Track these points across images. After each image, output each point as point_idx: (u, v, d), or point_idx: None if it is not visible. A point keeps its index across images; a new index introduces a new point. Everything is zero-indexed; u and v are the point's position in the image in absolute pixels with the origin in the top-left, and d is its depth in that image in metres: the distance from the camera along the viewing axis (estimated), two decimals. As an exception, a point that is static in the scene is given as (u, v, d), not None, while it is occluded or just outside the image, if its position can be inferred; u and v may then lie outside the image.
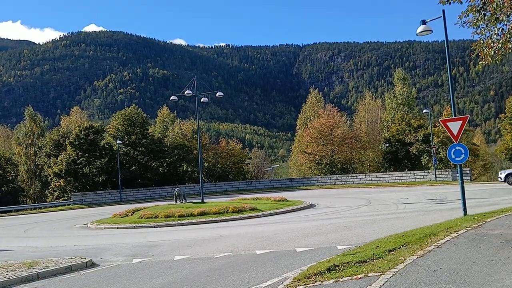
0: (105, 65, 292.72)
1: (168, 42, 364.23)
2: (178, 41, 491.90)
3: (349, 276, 6.61)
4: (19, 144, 65.48)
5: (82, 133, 51.66)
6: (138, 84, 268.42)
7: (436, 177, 42.54)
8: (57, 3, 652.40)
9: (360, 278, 6.38)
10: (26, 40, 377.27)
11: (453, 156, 13.10)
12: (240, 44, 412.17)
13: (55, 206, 47.03)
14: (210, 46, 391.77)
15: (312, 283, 6.61)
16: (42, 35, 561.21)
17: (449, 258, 7.03)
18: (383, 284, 5.78)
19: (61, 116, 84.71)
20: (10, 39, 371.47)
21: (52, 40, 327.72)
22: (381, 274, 6.35)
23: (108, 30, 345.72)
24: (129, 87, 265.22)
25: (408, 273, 6.30)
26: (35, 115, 68.84)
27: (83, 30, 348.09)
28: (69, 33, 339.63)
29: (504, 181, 31.08)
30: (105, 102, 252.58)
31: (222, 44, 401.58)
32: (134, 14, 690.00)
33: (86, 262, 11.67)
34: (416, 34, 14.36)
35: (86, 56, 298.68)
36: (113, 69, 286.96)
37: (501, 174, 31.88)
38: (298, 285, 6.64)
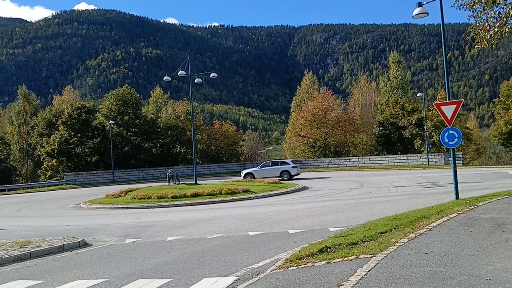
0: (97, 44, 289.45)
1: (161, 21, 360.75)
2: (171, 20, 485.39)
3: (341, 257, 6.64)
4: (11, 123, 65.08)
5: (75, 112, 51.30)
6: (131, 64, 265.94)
7: (428, 160, 42.80)
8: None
9: (352, 260, 6.41)
10: (18, 18, 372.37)
11: (446, 140, 13.12)
12: (234, 25, 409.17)
13: (48, 186, 46.92)
14: (204, 26, 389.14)
15: (304, 264, 6.64)
16: (33, 13, 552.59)
17: (441, 241, 7.08)
18: (374, 266, 5.81)
19: (54, 96, 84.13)
20: (1, 17, 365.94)
21: (45, 18, 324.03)
22: (372, 256, 6.38)
23: (101, 9, 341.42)
24: (121, 67, 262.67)
25: (399, 255, 6.33)
26: (29, 94, 68.28)
27: (75, 8, 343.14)
28: (61, 11, 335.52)
29: (243, 178, 33.94)
30: (97, 82, 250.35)
31: (216, 24, 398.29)
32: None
33: (79, 241, 11.68)
34: (412, 17, 14.22)
35: (79, 34, 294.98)
36: (106, 48, 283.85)
37: (242, 172, 35.33)
38: (290, 266, 6.66)
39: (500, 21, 9.83)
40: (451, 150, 13.62)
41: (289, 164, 34.75)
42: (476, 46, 10.80)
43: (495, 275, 5.12)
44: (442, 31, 13.93)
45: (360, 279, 5.30)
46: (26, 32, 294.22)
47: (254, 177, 33.36)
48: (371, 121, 62.81)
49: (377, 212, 13.21)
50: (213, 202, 20.53)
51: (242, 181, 29.21)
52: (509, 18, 9.67)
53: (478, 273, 5.23)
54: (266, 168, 34.73)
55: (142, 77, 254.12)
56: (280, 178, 32.79)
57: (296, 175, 34.19)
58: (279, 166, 34.40)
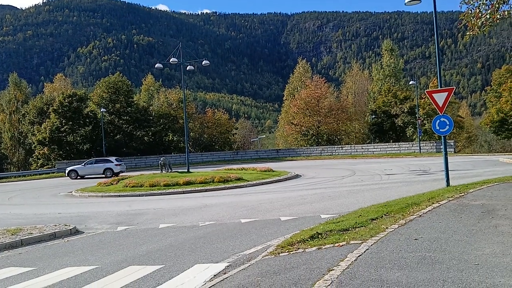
0: (88, 31, 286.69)
1: (152, 8, 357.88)
2: (161, 7, 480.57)
3: (332, 243, 6.68)
4: (2, 111, 64.55)
5: (66, 100, 50.92)
6: (123, 51, 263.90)
7: (420, 148, 43.03)
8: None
9: (342, 245, 6.45)
10: (8, 5, 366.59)
11: (437, 128, 13.16)
12: (227, 12, 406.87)
13: (39, 174, 46.71)
14: (196, 13, 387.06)
15: (295, 250, 6.68)
16: (22, 0, 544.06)
17: (431, 227, 7.13)
18: (365, 252, 5.85)
19: (45, 83, 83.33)
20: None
21: (35, 5, 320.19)
22: (362, 242, 6.43)
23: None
24: (113, 54, 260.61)
25: (389, 241, 6.38)
26: (20, 82, 67.62)
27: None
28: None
29: (67, 175, 35.74)
30: (89, 69, 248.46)
31: (208, 11, 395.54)
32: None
33: (71, 229, 11.66)
34: (405, 4, 14.21)
35: (70, 21, 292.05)
36: (97, 35, 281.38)
37: (66, 170, 36.87)
38: (281, 252, 6.70)
39: (491, 8, 9.82)
40: (442, 137, 13.67)
41: (112, 162, 36.16)
42: (468, 33, 10.79)
43: (483, 259, 5.18)
44: (434, 19, 13.90)
45: (350, 264, 5.33)
46: (16, 19, 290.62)
47: (78, 175, 35.53)
48: (364, 109, 62.94)
49: (368, 199, 13.28)
50: (206, 190, 20.54)
51: (234, 169, 29.19)
52: (500, 5, 9.67)
53: (467, 258, 5.29)
54: (90, 165, 36.15)
55: (133, 64, 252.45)
56: (104, 176, 34.41)
57: (120, 172, 35.38)
58: (102, 164, 35.88)
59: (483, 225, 7.05)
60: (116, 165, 35.78)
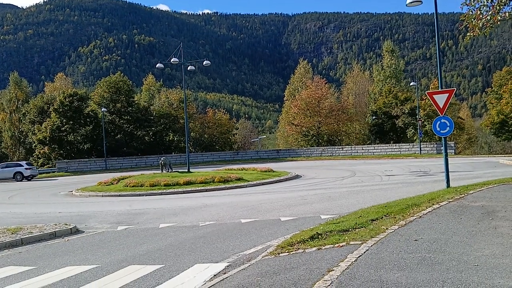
0: (90, 30, 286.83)
1: (153, 8, 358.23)
2: (162, 6, 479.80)
3: (332, 244, 6.68)
4: (3, 110, 64.54)
5: (67, 100, 50.94)
6: (124, 51, 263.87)
7: (421, 150, 43.03)
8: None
9: (342, 246, 6.45)
10: (9, 4, 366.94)
11: (438, 129, 13.15)
12: (228, 12, 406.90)
13: (40, 173, 46.64)
14: (197, 13, 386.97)
15: (295, 250, 6.68)
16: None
17: (430, 228, 7.13)
18: (364, 252, 5.85)
19: (45, 83, 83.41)
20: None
21: (36, 4, 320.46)
22: (362, 243, 6.43)
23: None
24: (114, 54, 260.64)
25: (389, 241, 6.38)
26: (20, 81, 67.64)
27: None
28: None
29: None
30: (89, 69, 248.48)
31: (209, 11, 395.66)
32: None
33: (71, 228, 11.66)
34: (406, 5, 14.19)
35: (71, 21, 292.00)
36: (98, 35, 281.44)
37: None
38: (281, 252, 6.70)
39: (492, 10, 9.83)
40: (442, 139, 13.65)
41: (22, 166, 38.54)
42: (468, 34, 10.80)
43: (483, 261, 5.18)
44: (435, 20, 13.89)
45: (350, 265, 5.34)
46: (17, 18, 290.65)
47: None
48: (364, 110, 62.95)
49: (368, 200, 13.28)
50: (206, 190, 20.55)
51: (235, 170, 29.22)
52: (501, 6, 9.68)
53: (466, 259, 5.29)
54: (0, 170, 38.39)
55: (134, 64, 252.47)
56: (14, 179, 37.29)
57: (30, 176, 38.09)
58: (13, 168, 38.34)
59: (482, 227, 7.05)
60: (26, 169, 38.13)
